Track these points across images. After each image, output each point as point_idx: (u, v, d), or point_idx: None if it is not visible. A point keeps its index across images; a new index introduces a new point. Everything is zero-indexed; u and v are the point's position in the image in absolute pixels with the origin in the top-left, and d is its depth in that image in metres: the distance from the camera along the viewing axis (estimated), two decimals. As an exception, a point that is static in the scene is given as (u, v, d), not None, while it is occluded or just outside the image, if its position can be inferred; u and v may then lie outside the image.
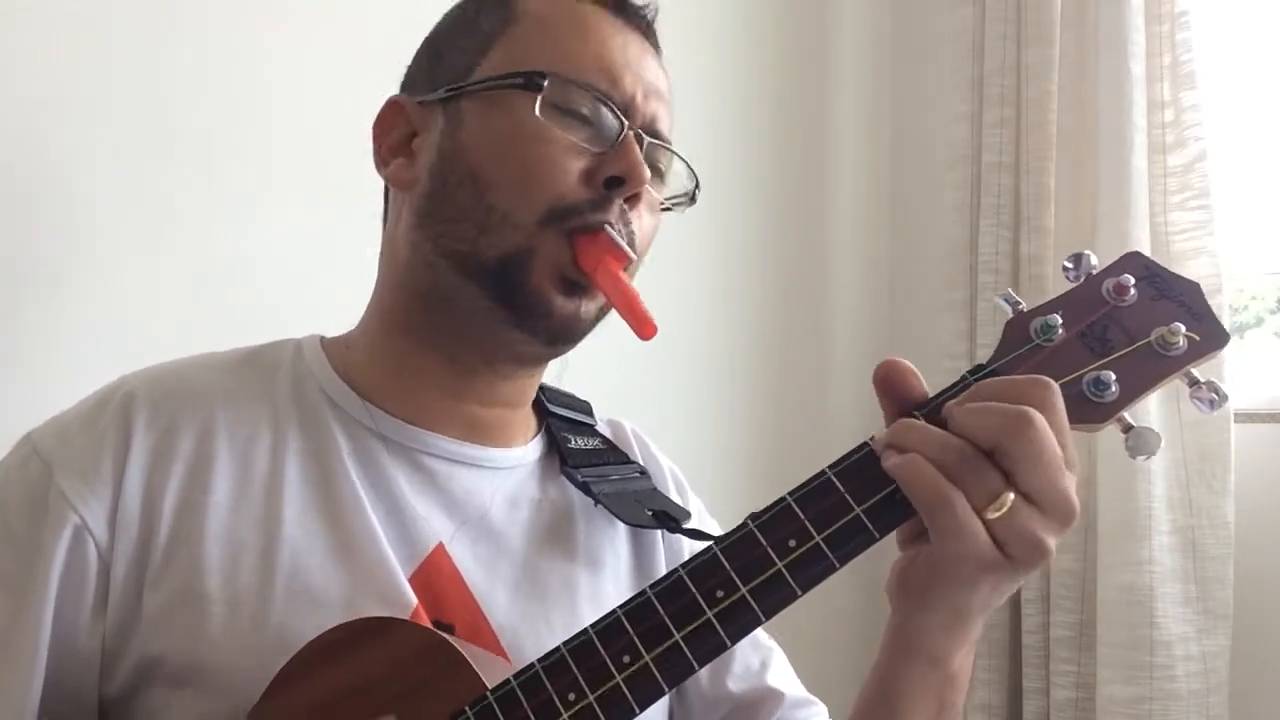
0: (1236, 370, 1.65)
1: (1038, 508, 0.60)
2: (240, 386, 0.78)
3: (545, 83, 0.75)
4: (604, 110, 0.76)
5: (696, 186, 0.86)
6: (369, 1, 1.29)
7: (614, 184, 0.76)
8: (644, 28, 0.82)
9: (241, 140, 1.19)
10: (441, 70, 0.81)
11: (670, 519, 0.86)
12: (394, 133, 0.82)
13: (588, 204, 0.75)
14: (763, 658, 0.90)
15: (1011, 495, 0.59)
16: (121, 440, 0.73)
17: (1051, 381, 0.60)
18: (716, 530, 0.92)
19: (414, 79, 0.84)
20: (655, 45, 0.84)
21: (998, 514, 0.59)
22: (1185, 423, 1.61)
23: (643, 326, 0.76)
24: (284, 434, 0.77)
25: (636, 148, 0.76)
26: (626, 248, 0.76)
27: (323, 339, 0.84)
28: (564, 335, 0.79)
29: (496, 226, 0.75)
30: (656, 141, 0.80)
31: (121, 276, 1.11)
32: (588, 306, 0.77)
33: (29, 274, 1.05)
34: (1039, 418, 0.59)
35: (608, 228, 0.75)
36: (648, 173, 0.76)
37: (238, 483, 0.74)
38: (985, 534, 0.60)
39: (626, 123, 0.77)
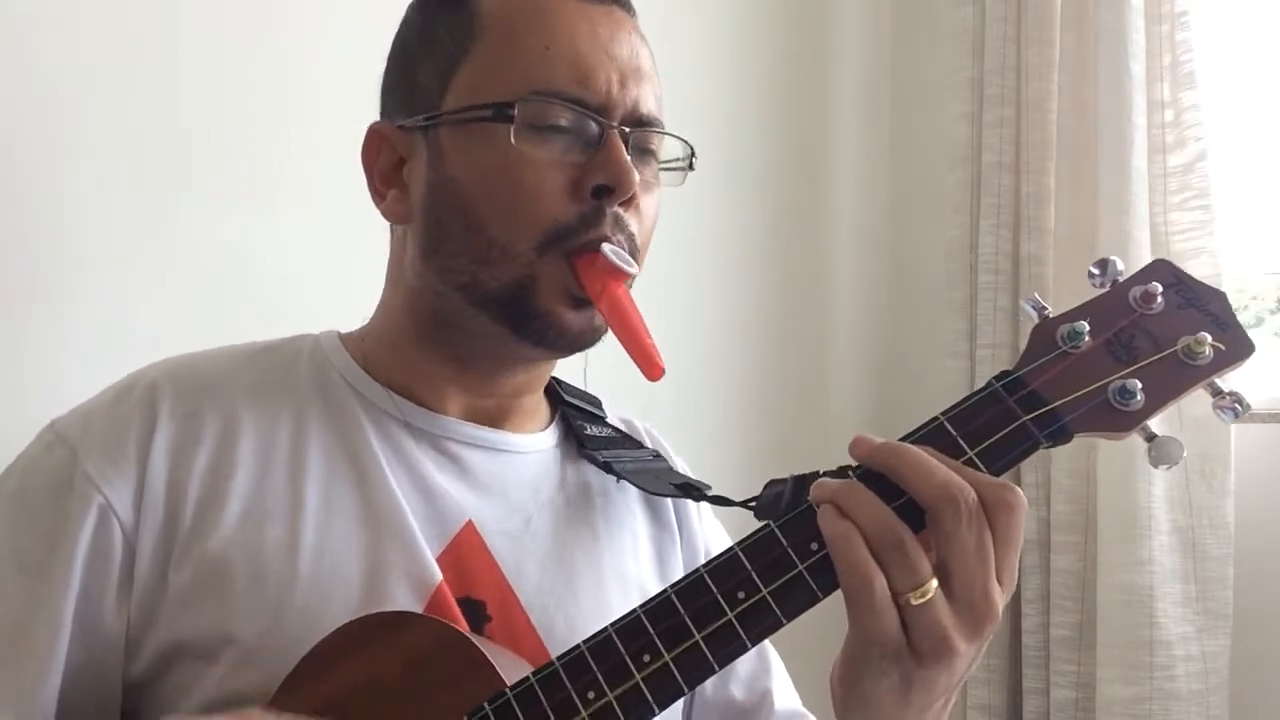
0: (1236, 370, 1.65)
1: (955, 602, 0.59)
2: (261, 377, 0.79)
3: (515, 111, 0.73)
4: (581, 115, 0.75)
5: (693, 155, 0.83)
6: (374, 2, 1.28)
7: (603, 192, 0.75)
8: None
9: (244, 139, 1.19)
10: (416, 93, 0.79)
11: (693, 488, 0.87)
12: (382, 161, 0.81)
13: (580, 222, 0.74)
14: (765, 665, 0.91)
15: (935, 584, 0.59)
16: (146, 424, 0.73)
17: (1019, 492, 0.60)
18: (725, 539, 0.92)
19: (391, 98, 0.83)
20: (628, 8, 0.81)
21: (920, 601, 0.59)
22: (1186, 422, 1.61)
23: (650, 368, 0.75)
24: (306, 420, 0.77)
25: (621, 149, 0.75)
26: (626, 265, 0.75)
27: (340, 333, 0.85)
28: (578, 346, 0.79)
29: (496, 259, 0.75)
30: (642, 129, 0.78)
31: (124, 275, 1.10)
32: (599, 318, 0.77)
33: (30, 273, 1.05)
34: (974, 503, 0.59)
35: (605, 248, 0.74)
36: (635, 176, 0.75)
37: (260, 466, 0.74)
38: (895, 619, 0.59)
39: (605, 122, 0.75)
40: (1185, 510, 1.63)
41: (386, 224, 0.85)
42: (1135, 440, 0.64)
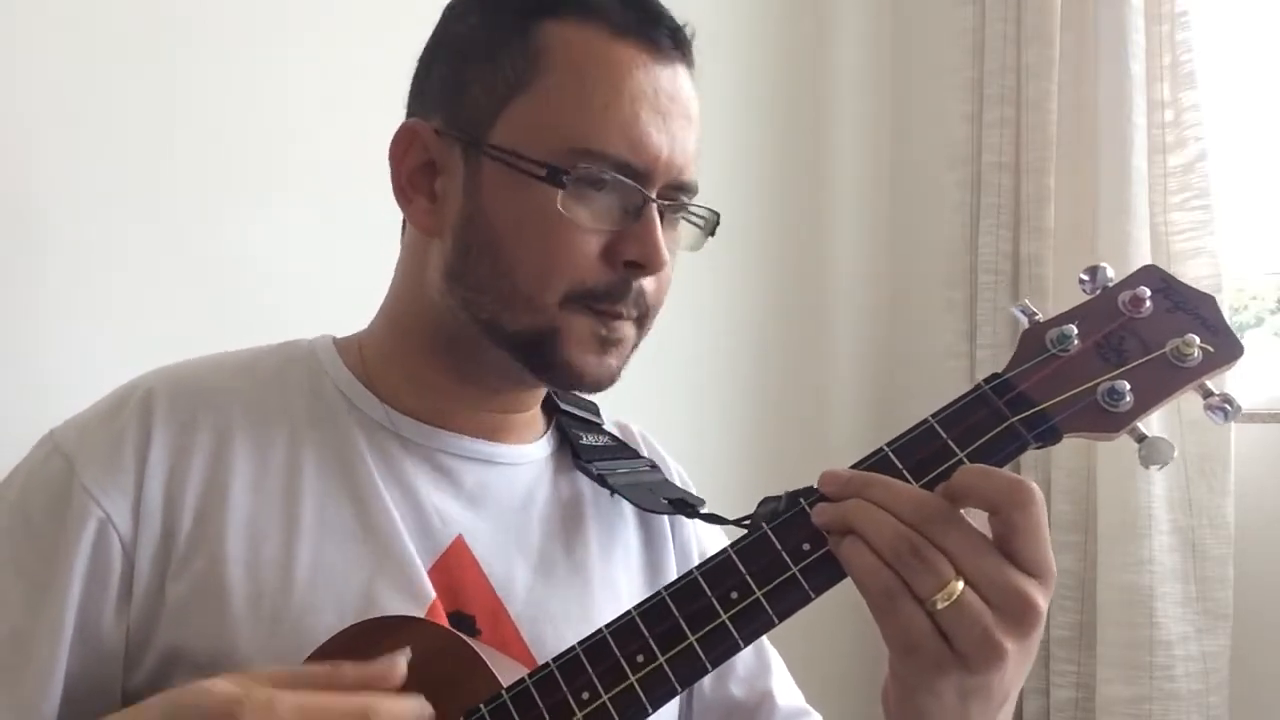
0: (1236, 370, 1.64)
1: (988, 602, 0.58)
2: (255, 385, 0.79)
3: (568, 178, 0.73)
4: (626, 182, 0.74)
5: (716, 223, 0.84)
6: (373, 2, 1.29)
7: (632, 266, 0.75)
8: (681, 52, 0.79)
9: (244, 140, 1.19)
10: (463, 107, 0.77)
11: (687, 505, 0.87)
12: (410, 159, 0.79)
13: (605, 290, 0.75)
14: (765, 663, 0.92)
15: (961, 584, 0.58)
16: (142, 434, 0.74)
17: (1027, 485, 0.59)
18: (721, 538, 0.92)
19: (428, 99, 0.80)
20: (690, 61, 0.80)
21: (948, 603, 0.58)
22: (1185, 423, 1.61)
23: None
24: (300, 430, 0.77)
25: (656, 225, 0.75)
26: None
27: (334, 339, 0.85)
28: (594, 390, 0.80)
29: (520, 306, 0.75)
30: (679, 197, 0.78)
31: (122, 277, 1.10)
32: (620, 361, 0.78)
33: (29, 275, 1.05)
34: (946, 510, 0.59)
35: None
36: (666, 255, 0.75)
37: (256, 478, 0.74)
38: (929, 626, 0.58)
39: (647, 194, 0.75)
40: (1185, 510, 1.63)
41: (388, 227, 0.84)
42: (1128, 441, 0.63)
